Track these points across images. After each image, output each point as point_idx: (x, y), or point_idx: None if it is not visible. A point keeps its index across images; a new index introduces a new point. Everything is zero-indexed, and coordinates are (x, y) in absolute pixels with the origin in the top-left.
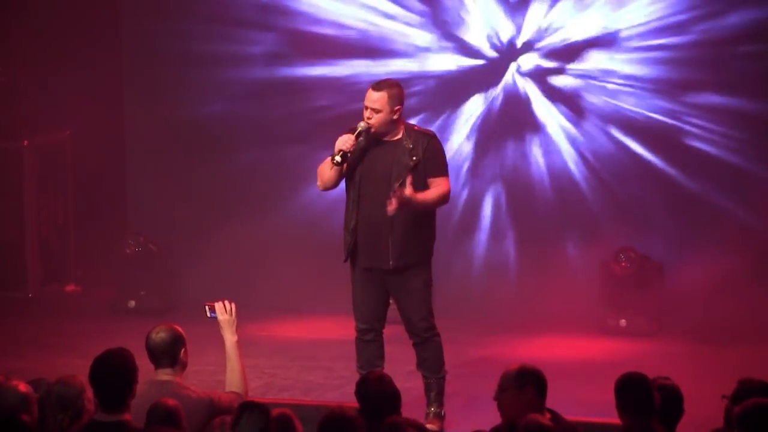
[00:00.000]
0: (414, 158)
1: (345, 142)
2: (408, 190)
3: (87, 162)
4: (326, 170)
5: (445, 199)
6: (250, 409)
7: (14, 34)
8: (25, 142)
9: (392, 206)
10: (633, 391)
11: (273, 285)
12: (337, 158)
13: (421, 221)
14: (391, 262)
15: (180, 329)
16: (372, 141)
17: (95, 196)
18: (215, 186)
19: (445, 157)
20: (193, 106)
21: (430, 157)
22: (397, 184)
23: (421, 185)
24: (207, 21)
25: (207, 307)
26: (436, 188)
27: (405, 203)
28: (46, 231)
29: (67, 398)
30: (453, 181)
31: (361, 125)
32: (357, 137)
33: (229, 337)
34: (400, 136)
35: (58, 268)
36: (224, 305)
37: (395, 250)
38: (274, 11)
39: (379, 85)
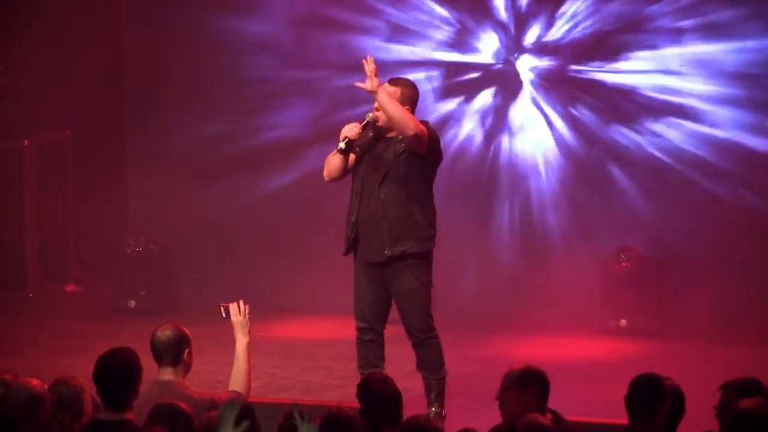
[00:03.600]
0: (403, 145)
1: (350, 129)
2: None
3: (87, 162)
4: (332, 159)
5: (411, 120)
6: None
7: (15, 34)
8: (26, 142)
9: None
10: (646, 392)
11: (273, 285)
12: (341, 145)
13: (414, 210)
14: (386, 251)
15: (186, 330)
16: (377, 136)
17: (95, 196)
18: (215, 186)
19: (432, 132)
20: (193, 106)
21: None
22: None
23: (406, 172)
24: (207, 21)
25: (222, 308)
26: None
27: (374, 83)
28: (46, 231)
29: (67, 398)
30: (454, 182)
31: (369, 116)
32: (363, 127)
33: (241, 338)
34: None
35: (58, 268)
36: (239, 307)
37: (389, 238)
38: (274, 14)
39: (396, 80)
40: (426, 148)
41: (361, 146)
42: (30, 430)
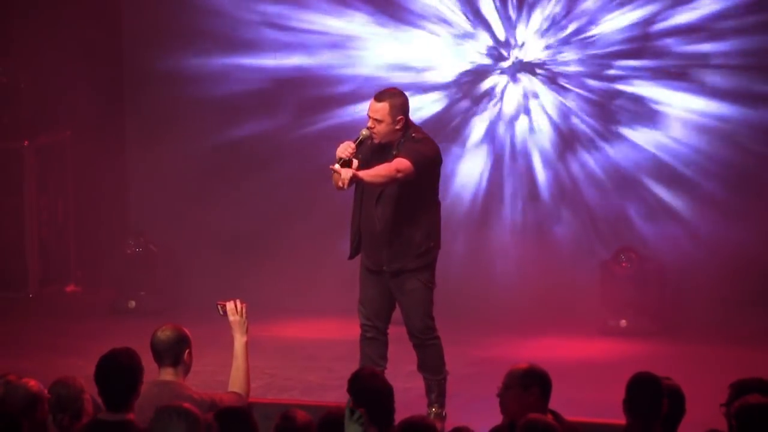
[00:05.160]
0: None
1: (344, 149)
2: (347, 172)
3: (87, 162)
4: (334, 175)
5: (392, 171)
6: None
7: (15, 34)
8: (25, 142)
9: (341, 181)
10: (644, 391)
11: (273, 285)
12: (336, 167)
13: (412, 227)
14: (384, 267)
15: (186, 331)
16: (376, 146)
17: (95, 196)
18: (215, 186)
19: (415, 150)
20: (194, 105)
21: (404, 148)
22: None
23: (401, 190)
24: (207, 21)
25: (219, 306)
26: (386, 164)
27: (354, 177)
28: (46, 231)
29: (67, 399)
30: (453, 181)
31: (364, 132)
32: (358, 145)
33: (239, 338)
34: (396, 144)
35: (58, 268)
36: (236, 306)
37: (387, 254)
38: (276, 14)
39: (381, 95)
40: (415, 176)
41: (363, 155)
42: (27, 431)
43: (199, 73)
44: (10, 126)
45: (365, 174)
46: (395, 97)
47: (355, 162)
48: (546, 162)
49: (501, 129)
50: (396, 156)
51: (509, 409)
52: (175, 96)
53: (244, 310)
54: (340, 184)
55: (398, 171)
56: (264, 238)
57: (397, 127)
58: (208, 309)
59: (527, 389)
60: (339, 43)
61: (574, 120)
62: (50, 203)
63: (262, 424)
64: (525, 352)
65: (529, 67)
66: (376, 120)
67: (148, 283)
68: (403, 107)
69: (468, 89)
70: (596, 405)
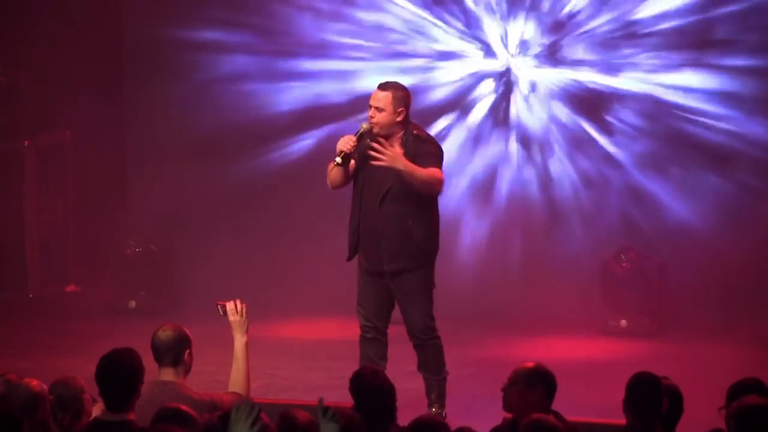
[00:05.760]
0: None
1: (346, 143)
2: (396, 150)
3: (87, 162)
4: (332, 171)
5: (435, 181)
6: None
7: (15, 35)
8: (26, 142)
9: (380, 160)
10: (643, 391)
11: (274, 285)
12: (338, 159)
13: (414, 228)
14: (384, 267)
15: (187, 330)
16: (376, 143)
17: (95, 196)
18: (216, 186)
19: (436, 154)
20: (194, 106)
21: (419, 154)
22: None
23: (408, 190)
24: (208, 21)
25: (219, 306)
26: (428, 170)
27: (392, 160)
28: (46, 231)
29: (67, 399)
30: (454, 180)
31: (364, 126)
32: (359, 139)
33: (239, 338)
34: (399, 142)
35: (58, 268)
36: (236, 306)
37: (387, 255)
38: (279, 14)
39: (385, 85)
40: None
41: (361, 153)
42: (29, 431)
43: (198, 75)
44: (10, 126)
45: (408, 166)
46: (399, 89)
47: (352, 161)
48: (546, 161)
49: (500, 128)
50: (404, 155)
51: (511, 405)
52: (174, 97)
53: (244, 310)
54: (384, 160)
55: (440, 183)
56: (264, 239)
57: (398, 119)
58: (208, 309)
59: (532, 387)
60: (336, 33)
61: (576, 119)
62: (50, 203)
63: None
64: (525, 352)
65: (528, 63)
66: (377, 108)
67: (148, 283)
68: (405, 100)
69: (464, 83)
70: (596, 405)
